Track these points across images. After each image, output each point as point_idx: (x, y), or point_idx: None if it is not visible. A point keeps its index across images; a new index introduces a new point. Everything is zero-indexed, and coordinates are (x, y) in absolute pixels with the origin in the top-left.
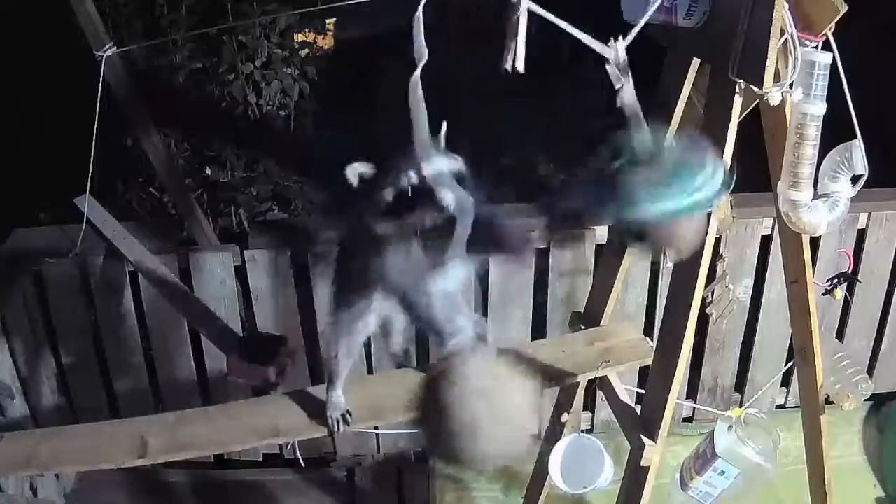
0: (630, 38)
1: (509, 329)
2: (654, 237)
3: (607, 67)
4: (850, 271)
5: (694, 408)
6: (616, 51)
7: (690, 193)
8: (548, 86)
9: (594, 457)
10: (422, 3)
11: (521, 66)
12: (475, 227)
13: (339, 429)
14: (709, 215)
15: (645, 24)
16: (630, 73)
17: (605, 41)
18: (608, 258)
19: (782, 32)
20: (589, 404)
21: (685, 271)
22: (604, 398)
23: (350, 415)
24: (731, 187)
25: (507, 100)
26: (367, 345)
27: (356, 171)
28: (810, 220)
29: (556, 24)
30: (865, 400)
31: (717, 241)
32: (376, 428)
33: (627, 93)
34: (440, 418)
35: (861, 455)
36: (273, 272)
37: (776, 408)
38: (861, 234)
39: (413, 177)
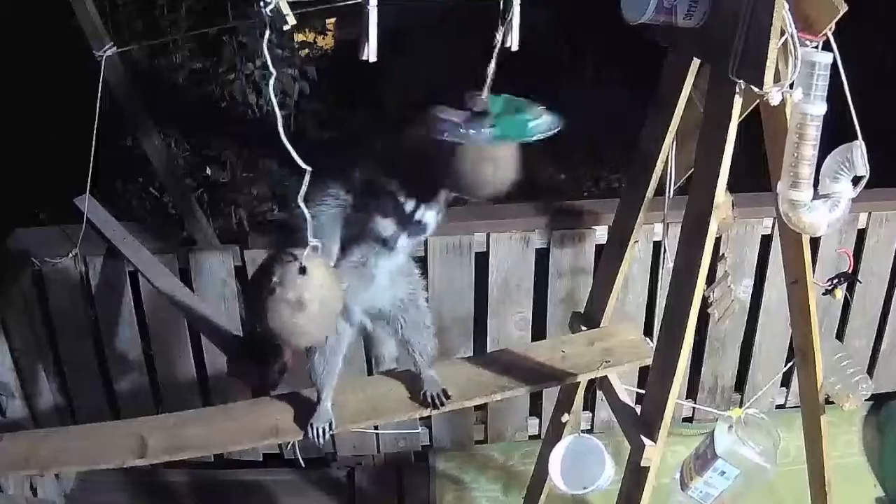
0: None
1: (509, 329)
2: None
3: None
4: (850, 271)
5: (694, 408)
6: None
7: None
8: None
9: (594, 457)
10: None
11: (373, 57)
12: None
13: (320, 439)
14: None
15: (646, 24)
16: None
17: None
18: (608, 258)
19: (782, 32)
20: (589, 404)
21: (686, 271)
22: (604, 398)
23: (331, 427)
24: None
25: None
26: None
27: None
28: (810, 221)
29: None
30: (865, 400)
31: (718, 241)
32: (376, 428)
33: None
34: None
35: (861, 455)
36: None
37: (776, 408)
38: (861, 234)
39: None
